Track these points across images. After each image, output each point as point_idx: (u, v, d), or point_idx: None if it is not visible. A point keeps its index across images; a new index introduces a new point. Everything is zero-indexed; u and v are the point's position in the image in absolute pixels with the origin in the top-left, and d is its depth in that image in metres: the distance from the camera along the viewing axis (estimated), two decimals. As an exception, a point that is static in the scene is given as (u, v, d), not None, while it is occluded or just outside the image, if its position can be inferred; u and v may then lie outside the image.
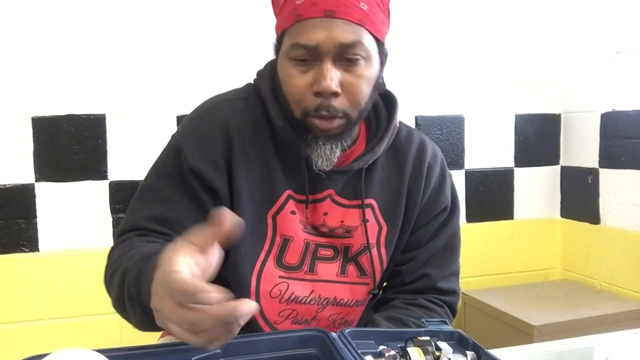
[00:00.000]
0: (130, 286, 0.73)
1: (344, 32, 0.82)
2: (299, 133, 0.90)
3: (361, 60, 0.85)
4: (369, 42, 0.85)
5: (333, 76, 0.83)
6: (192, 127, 0.93)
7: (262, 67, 1.03)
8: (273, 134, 0.93)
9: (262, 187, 0.92)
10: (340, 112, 0.85)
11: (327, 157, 0.88)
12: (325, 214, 0.95)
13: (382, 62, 0.91)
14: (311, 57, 0.84)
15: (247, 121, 0.93)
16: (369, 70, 0.86)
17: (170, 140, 0.95)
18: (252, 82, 1.01)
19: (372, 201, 0.98)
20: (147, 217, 0.89)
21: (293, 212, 0.93)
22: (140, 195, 0.93)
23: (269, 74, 0.96)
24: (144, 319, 0.72)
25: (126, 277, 0.75)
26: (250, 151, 0.91)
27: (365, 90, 0.87)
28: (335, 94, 0.84)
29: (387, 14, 0.90)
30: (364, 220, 0.97)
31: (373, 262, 0.98)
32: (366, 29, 0.84)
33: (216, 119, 0.92)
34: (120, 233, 0.92)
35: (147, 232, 0.89)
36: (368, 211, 0.97)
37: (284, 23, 0.87)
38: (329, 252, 0.97)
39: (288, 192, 0.93)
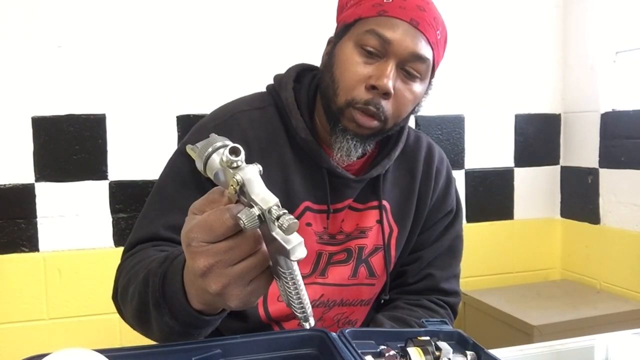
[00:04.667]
0: (156, 290, 0.67)
1: (420, 44, 0.84)
2: (327, 133, 0.90)
3: (418, 77, 0.87)
4: (429, 67, 0.87)
5: (392, 77, 0.84)
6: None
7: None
8: (292, 145, 0.92)
9: (280, 198, 0.91)
10: (383, 115, 0.85)
11: (347, 152, 0.88)
12: (342, 221, 0.96)
13: (427, 91, 0.92)
14: (379, 51, 0.84)
15: (265, 133, 0.92)
16: (419, 90, 0.88)
17: (180, 150, 0.91)
18: (266, 88, 0.99)
19: (385, 203, 0.98)
20: (165, 226, 0.86)
21: (309, 224, 0.93)
22: (156, 204, 0.90)
23: (293, 81, 0.95)
24: (172, 327, 0.67)
25: (149, 281, 0.69)
26: (269, 164, 0.90)
27: (409, 106, 0.89)
28: (387, 95, 0.84)
29: (444, 52, 0.92)
30: (380, 221, 0.97)
31: (385, 263, 0.99)
32: (433, 53, 0.87)
33: (233, 131, 0.90)
34: (134, 243, 0.87)
35: (164, 242, 0.85)
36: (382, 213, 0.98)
37: (364, 12, 0.86)
38: (342, 256, 0.97)
39: (306, 203, 0.93)
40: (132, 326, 0.81)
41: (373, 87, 0.83)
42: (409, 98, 0.87)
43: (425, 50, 0.85)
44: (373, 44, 0.84)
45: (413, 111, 0.92)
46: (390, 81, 0.83)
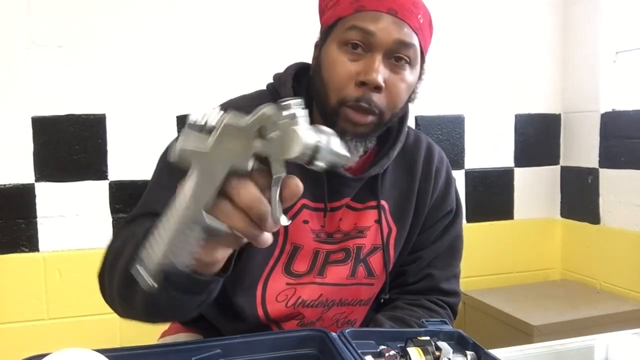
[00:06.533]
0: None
1: (402, 31, 0.84)
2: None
3: (407, 65, 0.86)
4: (417, 51, 0.87)
5: (381, 70, 0.83)
6: None
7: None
8: None
9: None
10: (377, 109, 0.85)
11: (350, 153, 0.87)
12: (340, 220, 0.96)
13: (420, 76, 0.92)
14: (364, 45, 0.84)
15: None
16: (411, 77, 0.88)
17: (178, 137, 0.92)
18: (266, 87, 0.99)
19: (383, 203, 0.98)
20: (165, 202, 0.86)
21: (305, 222, 0.93)
22: (154, 187, 0.89)
23: (292, 79, 0.95)
24: (159, 294, 0.62)
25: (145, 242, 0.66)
26: None
27: (403, 95, 0.88)
28: (378, 88, 0.84)
29: (431, 35, 0.92)
30: (378, 221, 0.97)
31: (384, 262, 0.99)
32: (418, 39, 0.86)
33: None
34: (134, 215, 0.86)
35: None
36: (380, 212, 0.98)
37: (342, 11, 0.86)
38: (340, 255, 0.97)
39: (303, 201, 0.92)
40: (112, 301, 0.78)
41: (363, 83, 0.83)
42: (402, 87, 0.87)
43: (410, 37, 0.85)
44: (356, 38, 0.84)
45: (410, 99, 0.92)
46: (379, 75, 0.83)
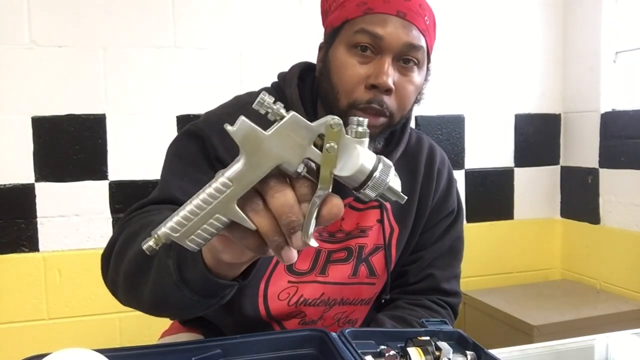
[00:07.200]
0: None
1: (411, 34, 0.84)
2: None
3: (415, 66, 0.87)
4: (425, 53, 0.88)
5: (391, 73, 0.84)
6: (217, 120, 0.89)
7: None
8: None
9: None
10: (388, 111, 0.85)
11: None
12: (342, 219, 0.96)
13: (426, 77, 0.93)
14: (373, 48, 0.84)
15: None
16: (418, 79, 0.88)
17: (187, 130, 0.91)
18: (270, 85, 0.99)
19: (386, 203, 0.98)
20: (179, 189, 0.83)
21: None
22: (167, 177, 0.88)
23: (297, 78, 0.95)
24: (174, 277, 0.62)
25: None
26: None
27: (412, 97, 0.89)
28: (389, 91, 0.84)
29: (435, 36, 0.93)
30: (381, 221, 0.98)
31: (386, 262, 0.99)
32: (425, 40, 0.87)
33: None
34: (146, 203, 0.84)
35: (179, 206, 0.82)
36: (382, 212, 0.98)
37: (350, 13, 0.86)
38: (342, 255, 0.97)
39: None
40: (115, 285, 0.76)
41: (373, 86, 0.84)
42: (410, 89, 0.87)
43: (418, 39, 0.85)
44: (365, 41, 0.84)
45: (416, 100, 0.92)
46: (389, 78, 0.83)
